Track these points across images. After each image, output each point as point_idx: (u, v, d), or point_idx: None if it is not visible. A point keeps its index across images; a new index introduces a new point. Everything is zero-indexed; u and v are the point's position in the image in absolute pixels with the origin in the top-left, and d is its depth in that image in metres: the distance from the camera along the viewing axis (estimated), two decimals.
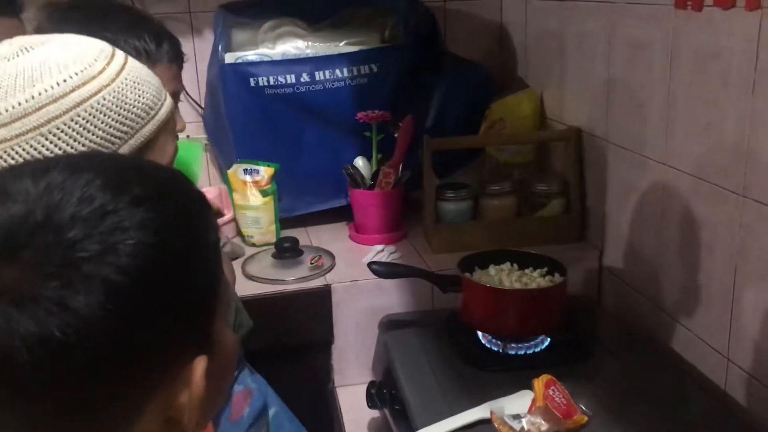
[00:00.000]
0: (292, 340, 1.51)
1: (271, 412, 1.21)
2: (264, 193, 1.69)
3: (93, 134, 0.71)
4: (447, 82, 1.81)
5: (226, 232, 1.72)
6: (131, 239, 0.46)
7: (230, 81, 1.69)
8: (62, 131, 0.70)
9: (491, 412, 1.10)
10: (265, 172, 1.69)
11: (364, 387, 1.34)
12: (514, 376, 1.20)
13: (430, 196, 1.65)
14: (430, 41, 1.82)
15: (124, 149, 0.74)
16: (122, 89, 0.74)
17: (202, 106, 1.89)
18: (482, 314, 1.33)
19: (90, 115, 0.71)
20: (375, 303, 1.52)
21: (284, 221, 1.76)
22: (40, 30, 1.08)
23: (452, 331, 1.37)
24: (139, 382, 0.48)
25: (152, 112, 0.77)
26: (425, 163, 1.62)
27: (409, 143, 1.68)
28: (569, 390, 1.12)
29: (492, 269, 1.41)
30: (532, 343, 1.31)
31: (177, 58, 1.16)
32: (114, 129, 0.73)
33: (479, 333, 1.34)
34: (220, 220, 1.70)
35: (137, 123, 0.75)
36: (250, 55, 1.72)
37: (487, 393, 1.16)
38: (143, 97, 0.76)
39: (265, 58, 1.72)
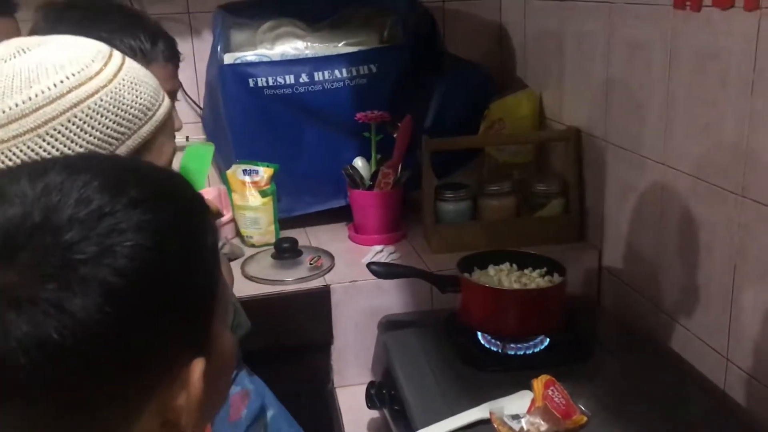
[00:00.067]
0: (291, 340, 1.51)
1: (270, 414, 1.21)
2: (263, 194, 1.69)
3: (90, 135, 0.71)
4: (446, 82, 1.81)
5: (226, 233, 1.72)
6: (128, 241, 0.46)
7: (229, 81, 1.69)
8: (59, 132, 0.70)
9: (490, 413, 1.10)
10: (264, 172, 1.69)
11: (364, 387, 1.34)
12: (513, 376, 1.20)
13: (429, 196, 1.65)
14: (429, 41, 1.82)
15: (122, 150, 0.74)
16: (119, 90, 0.74)
17: (201, 106, 1.89)
18: (481, 314, 1.33)
19: (87, 116, 0.71)
20: (374, 303, 1.52)
21: (283, 222, 1.76)
22: (36, 30, 1.08)
23: (451, 332, 1.37)
24: (136, 384, 0.48)
25: (150, 113, 0.77)
26: (424, 164, 1.62)
27: (408, 143, 1.68)
28: (568, 390, 1.12)
29: (491, 269, 1.41)
30: (531, 343, 1.31)
31: (173, 57, 1.16)
32: (111, 130, 0.73)
33: (478, 333, 1.34)
34: (219, 221, 1.70)
35: (135, 124, 0.75)
36: (249, 55, 1.72)
37: (486, 393, 1.16)
38: (141, 98, 0.76)
39: (264, 59, 1.72)
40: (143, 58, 1.07)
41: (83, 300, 0.44)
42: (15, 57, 0.71)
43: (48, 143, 0.69)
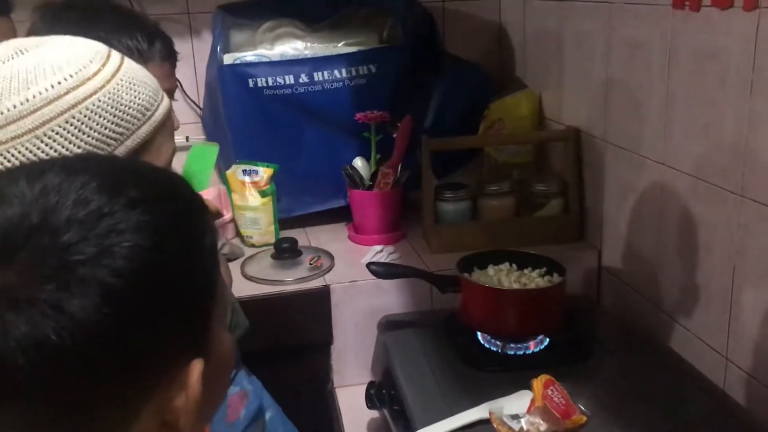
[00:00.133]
0: (291, 340, 1.51)
1: (268, 415, 1.21)
2: (263, 194, 1.69)
3: (88, 136, 0.71)
4: (446, 82, 1.81)
5: (225, 233, 1.72)
6: (127, 242, 0.46)
7: (229, 82, 1.70)
8: (57, 133, 0.70)
9: (490, 413, 1.10)
10: (263, 172, 1.69)
11: (364, 387, 1.35)
12: (513, 376, 1.20)
13: (428, 196, 1.65)
14: (429, 41, 1.82)
15: (120, 151, 0.74)
16: (117, 91, 0.74)
17: (201, 106, 1.89)
18: (481, 314, 1.33)
19: (85, 117, 0.71)
20: (374, 303, 1.52)
21: (283, 222, 1.76)
22: (33, 30, 1.09)
23: (451, 332, 1.37)
24: (135, 384, 0.48)
25: (148, 113, 0.77)
26: (424, 164, 1.62)
27: (407, 144, 1.68)
28: (568, 390, 1.12)
29: (491, 269, 1.41)
30: (531, 343, 1.31)
31: (170, 57, 1.17)
32: (109, 130, 0.73)
33: (478, 333, 1.34)
34: (219, 221, 1.70)
35: (133, 124, 0.75)
36: (249, 56, 1.72)
37: (486, 393, 1.16)
38: (139, 99, 0.76)
39: (264, 59, 1.72)
40: (140, 57, 1.07)
41: (82, 301, 0.44)
42: (13, 58, 0.71)
43: (46, 144, 0.69)
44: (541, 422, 1.07)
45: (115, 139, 0.73)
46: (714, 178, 1.17)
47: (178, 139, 1.67)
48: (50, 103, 0.69)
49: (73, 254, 0.45)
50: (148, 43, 1.11)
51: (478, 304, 1.33)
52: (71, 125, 0.70)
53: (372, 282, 1.48)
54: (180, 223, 0.52)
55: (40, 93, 0.69)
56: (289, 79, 1.69)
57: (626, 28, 1.38)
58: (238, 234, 1.74)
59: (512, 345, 1.31)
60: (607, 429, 1.10)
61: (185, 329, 0.50)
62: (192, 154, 1.48)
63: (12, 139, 0.68)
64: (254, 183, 1.69)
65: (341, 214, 1.80)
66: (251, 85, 1.69)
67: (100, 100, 0.72)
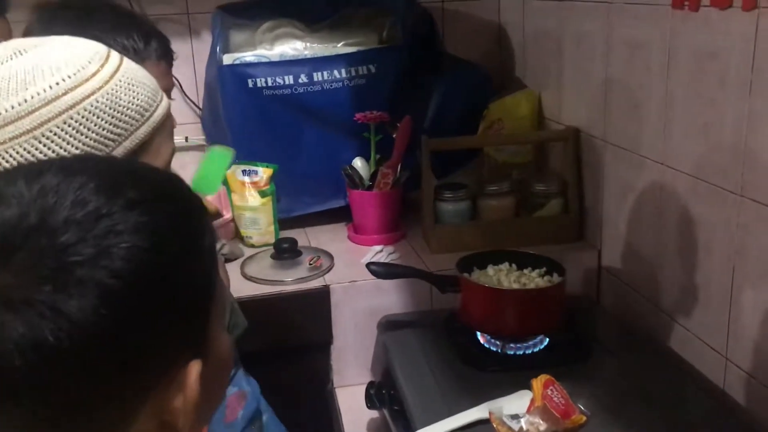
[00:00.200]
0: (291, 340, 1.51)
1: (265, 417, 1.21)
2: (262, 194, 1.69)
3: (86, 137, 0.71)
4: (445, 82, 1.81)
5: (225, 233, 1.72)
6: (125, 243, 0.46)
7: (228, 82, 1.69)
8: (55, 134, 0.70)
9: (490, 413, 1.10)
10: (263, 172, 1.69)
11: (363, 387, 1.35)
12: (512, 376, 1.20)
13: (428, 196, 1.65)
14: (428, 42, 1.82)
15: (119, 151, 0.74)
16: (116, 91, 0.74)
17: (200, 107, 1.89)
18: (481, 314, 1.33)
19: (83, 117, 0.71)
20: (374, 303, 1.52)
21: (283, 222, 1.76)
22: (30, 30, 1.09)
23: (451, 332, 1.37)
24: (133, 386, 0.48)
25: (147, 114, 0.77)
26: (424, 164, 1.62)
27: (407, 144, 1.68)
28: (568, 390, 1.12)
29: (490, 269, 1.41)
30: (530, 343, 1.31)
31: (166, 56, 1.17)
32: (108, 131, 0.73)
33: (478, 333, 1.34)
34: (218, 221, 1.70)
35: (131, 125, 0.75)
36: (248, 56, 1.72)
37: (485, 393, 1.16)
38: (137, 99, 0.76)
39: (263, 59, 1.72)
40: (136, 56, 1.07)
41: (79, 302, 0.44)
42: (12, 59, 0.71)
43: (44, 145, 0.69)
44: (541, 422, 1.07)
45: (113, 140, 0.73)
46: (713, 178, 1.17)
47: (177, 139, 1.68)
48: (48, 103, 0.69)
49: (71, 255, 0.45)
50: (144, 42, 1.12)
51: (477, 304, 1.33)
52: (69, 126, 0.70)
53: (372, 282, 1.48)
54: (178, 224, 0.51)
55: (38, 94, 0.69)
56: (289, 80, 1.69)
57: (626, 28, 1.38)
58: (238, 234, 1.74)
59: (512, 345, 1.31)
60: (606, 429, 1.10)
61: (184, 330, 0.50)
62: (208, 157, 1.48)
63: (10, 139, 0.68)
64: (254, 183, 1.69)
65: (341, 215, 1.80)
66: (251, 85, 1.69)
67: (98, 101, 0.72)
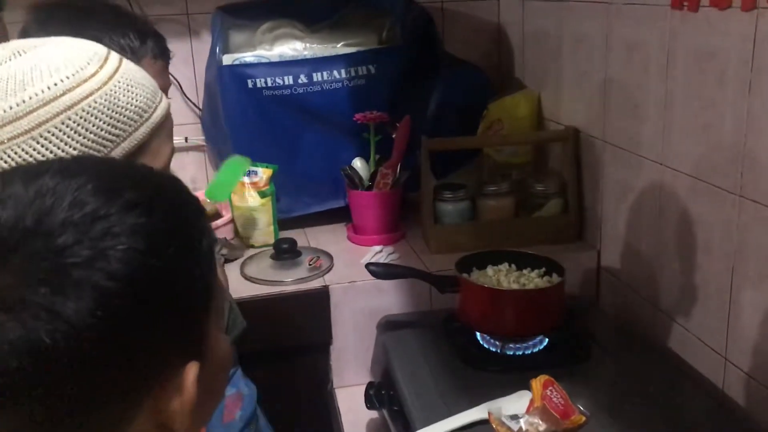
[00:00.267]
0: (290, 341, 1.51)
1: (262, 420, 1.21)
2: (262, 195, 1.69)
3: (84, 137, 0.71)
4: (445, 82, 1.81)
5: (225, 234, 1.72)
6: (122, 245, 0.46)
7: (228, 82, 1.69)
8: (53, 135, 0.69)
9: (489, 413, 1.10)
10: (263, 173, 1.69)
11: (363, 388, 1.35)
12: (512, 376, 1.20)
13: (428, 196, 1.65)
14: (428, 42, 1.82)
15: (117, 152, 0.74)
16: (114, 92, 0.73)
17: (200, 107, 1.89)
18: (480, 315, 1.33)
19: (81, 118, 0.71)
20: (373, 304, 1.52)
21: (282, 222, 1.76)
22: (26, 29, 1.09)
23: (450, 332, 1.37)
24: (130, 387, 0.48)
25: (146, 115, 0.77)
26: (423, 164, 1.62)
27: (407, 144, 1.68)
28: (567, 390, 1.12)
29: (490, 270, 1.41)
30: (530, 343, 1.31)
31: (162, 55, 1.17)
32: (106, 132, 0.73)
33: (477, 333, 1.34)
34: (218, 222, 1.70)
35: (130, 126, 0.75)
36: (248, 56, 1.72)
37: (485, 393, 1.16)
38: (136, 100, 0.76)
39: (263, 60, 1.72)
40: (132, 55, 1.08)
41: (76, 304, 0.44)
42: (10, 59, 0.71)
43: (42, 146, 0.69)
44: (540, 422, 1.07)
45: (112, 141, 0.73)
46: (713, 178, 1.17)
47: (177, 139, 1.68)
48: (46, 104, 0.69)
49: (68, 257, 0.45)
50: (140, 40, 1.12)
51: (477, 304, 1.33)
52: (67, 127, 0.70)
53: (371, 282, 1.48)
54: (176, 226, 0.51)
55: (37, 94, 0.69)
56: (288, 80, 1.69)
57: (625, 29, 1.38)
58: (238, 235, 1.74)
59: (511, 345, 1.31)
60: (606, 429, 1.10)
61: (181, 332, 0.50)
62: (225, 165, 1.49)
63: (8, 140, 0.68)
64: (253, 183, 1.69)
65: (340, 215, 1.80)
66: (250, 85, 1.69)
67: (96, 102, 0.72)
